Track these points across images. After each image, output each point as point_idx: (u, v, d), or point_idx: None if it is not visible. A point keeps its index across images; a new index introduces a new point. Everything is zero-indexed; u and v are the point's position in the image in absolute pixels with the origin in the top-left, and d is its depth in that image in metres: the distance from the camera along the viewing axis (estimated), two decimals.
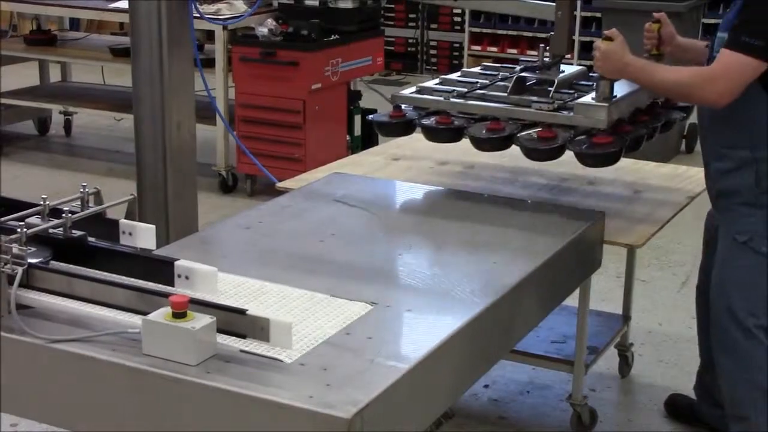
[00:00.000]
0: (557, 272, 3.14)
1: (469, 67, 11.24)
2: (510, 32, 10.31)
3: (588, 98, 3.44)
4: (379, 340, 2.42)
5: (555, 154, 3.43)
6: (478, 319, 2.60)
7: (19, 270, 2.41)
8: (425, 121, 3.64)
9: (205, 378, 2.19)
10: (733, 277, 3.28)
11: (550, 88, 3.58)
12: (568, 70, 3.79)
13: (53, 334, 2.35)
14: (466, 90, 3.66)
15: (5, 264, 2.41)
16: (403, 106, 3.75)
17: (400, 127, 3.74)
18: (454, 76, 3.94)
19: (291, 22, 6.60)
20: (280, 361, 2.27)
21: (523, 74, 3.70)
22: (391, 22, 10.89)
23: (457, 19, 10.73)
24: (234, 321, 2.30)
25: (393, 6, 10.93)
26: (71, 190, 2.92)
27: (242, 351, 2.30)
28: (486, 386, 4.21)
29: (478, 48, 10.58)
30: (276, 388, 2.16)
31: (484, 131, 3.50)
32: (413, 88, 3.81)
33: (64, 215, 2.72)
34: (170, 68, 4.00)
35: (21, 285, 2.43)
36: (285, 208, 3.42)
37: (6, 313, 2.40)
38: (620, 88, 3.46)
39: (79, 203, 2.86)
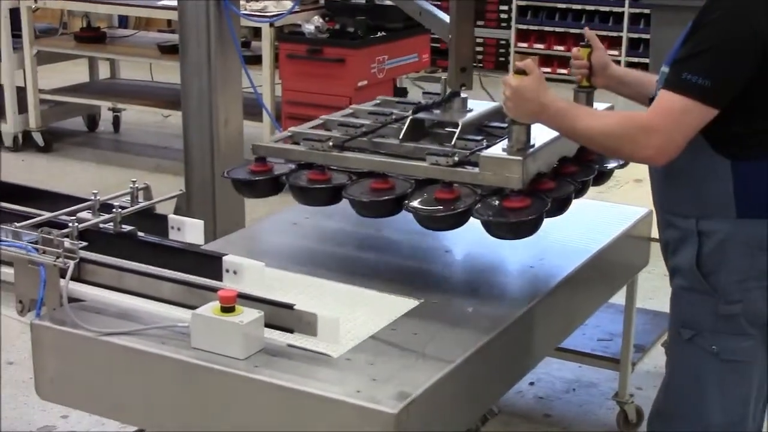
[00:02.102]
0: (604, 269, 3.12)
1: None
2: (557, 29, 10.26)
3: (498, 149, 2.66)
4: (426, 335, 2.42)
5: (457, 221, 2.64)
6: (525, 316, 2.60)
7: (71, 264, 2.45)
8: (296, 179, 2.82)
9: (253, 372, 2.21)
10: (676, 381, 2.65)
11: (454, 130, 2.84)
12: (478, 107, 3.01)
13: (104, 327, 2.39)
14: (348, 137, 2.89)
15: (57, 258, 2.45)
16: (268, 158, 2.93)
17: (265, 186, 2.87)
18: (338, 115, 3.15)
19: (337, 19, 6.62)
20: (327, 355, 2.29)
21: (418, 115, 2.93)
22: None
23: (504, 15, 10.69)
24: (281, 315, 2.32)
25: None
26: (120, 185, 2.96)
27: (289, 345, 2.32)
28: (532, 384, 4.20)
29: (525, 45, 10.54)
30: (323, 383, 2.18)
31: (366, 192, 2.72)
32: (285, 134, 3.03)
33: (114, 210, 2.75)
34: (218, 65, 4.04)
35: (72, 278, 2.46)
36: None
37: (58, 305, 2.44)
38: (541, 134, 2.70)
39: (129, 198, 2.90)
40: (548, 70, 10.35)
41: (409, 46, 6.92)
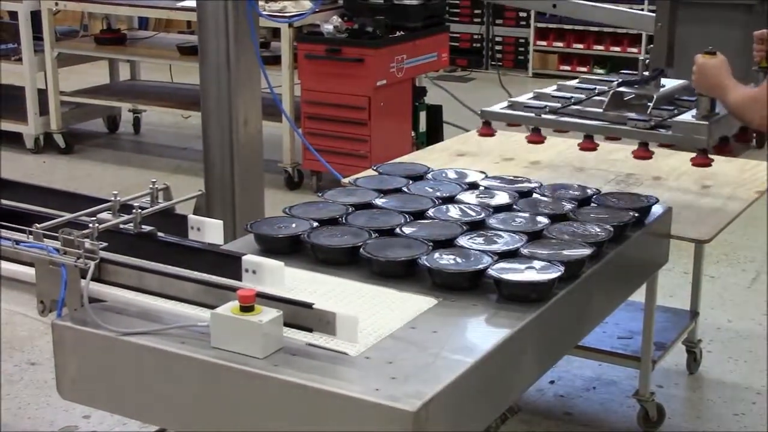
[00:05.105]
0: (623, 267, 3.12)
1: (535, 64, 11.18)
2: (576, 27, 10.23)
3: (687, 116, 3.30)
4: (445, 333, 2.42)
5: (471, 281, 2.68)
6: (544, 314, 2.60)
7: (92, 264, 2.46)
8: (315, 239, 2.88)
9: (272, 371, 2.22)
10: None
11: (649, 104, 3.45)
12: (670, 84, 3.64)
13: (124, 327, 2.40)
14: (560, 105, 3.59)
15: (78, 258, 2.47)
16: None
17: (285, 244, 2.92)
18: (549, 89, 3.88)
19: (356, 19, 6.63)
20: (346, 354, 2.29)
21: (620, 89, 3.58)
22: (456, 18, 10.87)
23: (523, 14, 10.68)
24: (300, 315, 2.32)
25: (458, 2, 10.92)
26: (140, 186, 2.97)
27: (309, 344, 2.32)
28: (552, 382, 4.20)
29: (544, 43, 10.53)
30: (342, 381, 2.18)
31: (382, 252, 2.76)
32: (504, 104, 3.72)
33: (134, 211, 2.77)
34: (237, 66, 4.05)
35: (93, 279, 2.47)
36: None
37: (79, 306, 2.45)
38: None
39: (149, 199, 2.91)
40: (568, 68, 10.34)
41: (428, 45, 6.92)
